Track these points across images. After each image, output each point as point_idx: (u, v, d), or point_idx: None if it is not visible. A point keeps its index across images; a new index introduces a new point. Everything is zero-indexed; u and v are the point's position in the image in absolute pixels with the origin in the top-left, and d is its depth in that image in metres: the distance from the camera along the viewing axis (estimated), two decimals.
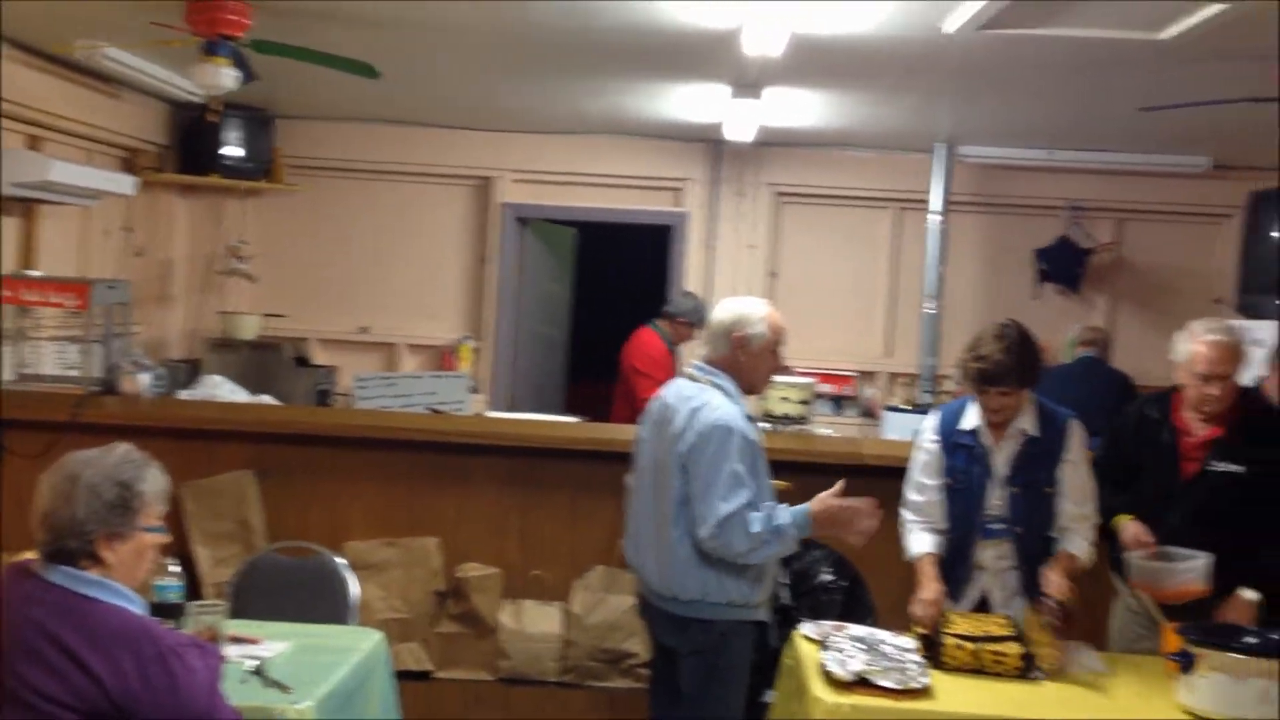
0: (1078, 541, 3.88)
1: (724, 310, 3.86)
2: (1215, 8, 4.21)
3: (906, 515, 4.11)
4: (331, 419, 5.89)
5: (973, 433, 4.00)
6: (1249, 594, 3.79)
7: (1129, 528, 3.99)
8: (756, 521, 3.56)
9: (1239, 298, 6.58)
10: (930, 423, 4.15)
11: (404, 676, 4.95)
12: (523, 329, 8.76)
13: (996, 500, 3.95)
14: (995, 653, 3.57)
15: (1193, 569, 3.81)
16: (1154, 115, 5.75)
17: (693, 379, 3.82)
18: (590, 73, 6.31)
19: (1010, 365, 3.82)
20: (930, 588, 3.92)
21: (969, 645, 3.58)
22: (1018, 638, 3.62)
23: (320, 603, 4.27)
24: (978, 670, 3.56)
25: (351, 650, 3.55)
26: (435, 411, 6.01)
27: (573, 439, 5.30)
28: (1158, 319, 8.28)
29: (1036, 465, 3.93)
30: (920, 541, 4.05)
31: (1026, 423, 3.94)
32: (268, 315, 8.20)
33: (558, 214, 8.81)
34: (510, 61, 6.10)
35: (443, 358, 8.55)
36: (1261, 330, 6.03)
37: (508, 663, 5.13)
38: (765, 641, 4.07)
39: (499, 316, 8.58)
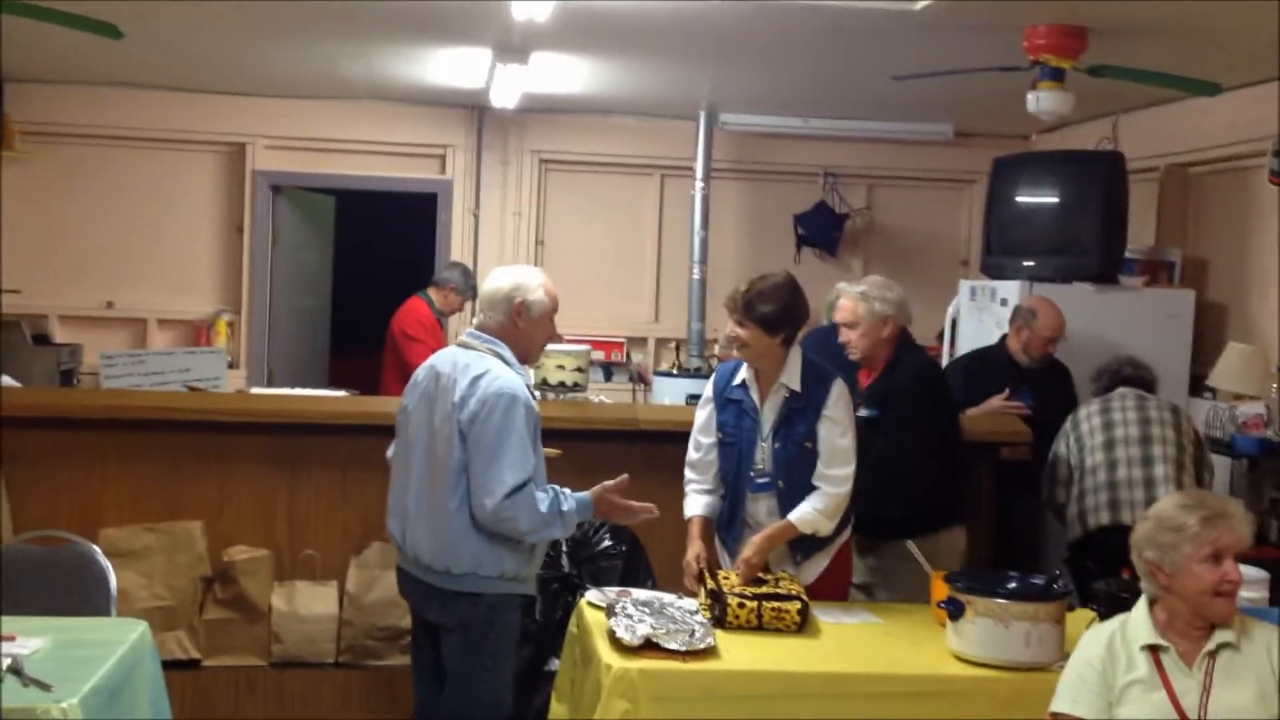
0: (804, 507, 3.94)
1: (502, 277, 3.81)
2: None
3: (687, 474, 4.18)
4: (78, 400, 5.56)
5: (742, 387, 4.07)
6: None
7: None
8: (544, 502, 3.55)
9: (984, 260, 6.89)
10: (710, 380, 4.23)
11: (170, 666, 4.71)
12: (280, 301, 8.47)
13: (761, 455, 4.04)
14: (776, 609, 3.65)
15: None
16: (902, 84, 5.95)
17: (468, 347, 3.74)
18: (349, 34, 6.12)
19: (740, 294, 3.94)
20: (692, 547, 4.02)
21: (751, 604, 3.65)
22: (797, 595, 3.71)
23: (76, 595, 4.01)
24: (759, 628, 3.63)
25: (114, 643, 3.36)
26: (192, 389, 5.75)
27: (340, 413, 5.14)
28: (909, 281, 8.58)
29: (797, 420, 4.00)
30: (693, 504, 4.13)
31: (791, 378, 4.02)
32: (1, 291, 7.68)
33: (316, 182, 8.55)
34: (263, 21, 5.84)
35: (197, 333, 8.20)
36: (1007, 290, 6.34)
37: (280, 647, 4.96)
38: (534, 614, 4.05)
39: (254, 289, 8.27)
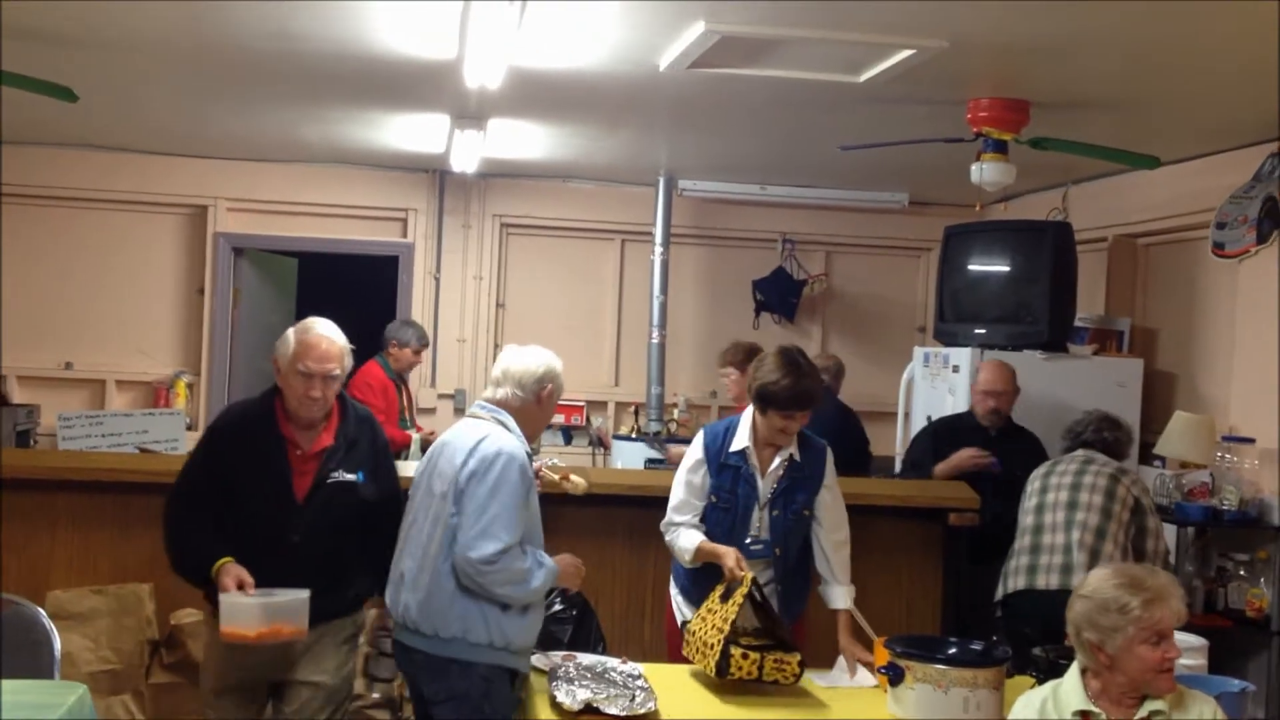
0: (840, 590, 4.05)
1: (536, 358, 3.77)
2: (906, 53, 4.48)
3: (670, 530, 4.13)
4: (29, 461, 5.53)
5: (741, 454, 4.08)
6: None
7: None
8: (524, 561, 3.51)
9: (937, 326, 6.97)
10: (697, 443, 4.19)
11: None
12: (241, 362, 8.46)
13: (758, 521, 4.05)
14: (777, 660, 3.64)
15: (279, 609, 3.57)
16: (856, 154, 6.05)
17: (475, 418, 3.73)
18: (306, 99, 6.18)
19: (814, 390, 3.97)
20: (725, 549, 3.91)
21: (754, 654, 3.63)
22: (796, 647, 3.72)
23: (20, 657, 3.96)
24: (759, 680, 3.60)
25: (51, 706, 3.32)
26: (144, 451, 5.74)
27: None
28: (865, 346, 8.75)
29: (797, 489, 4.05)
30: (692, 536, 4.04)
31: (795, 448, 4.06)
32: None
33: (277, 244, 8.58)
34: (220, 85, 5.89)
35: (156, 394, 8.18)
36: (959, 357, 6.41)
37: None
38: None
39: (215, 350, 8.27)
